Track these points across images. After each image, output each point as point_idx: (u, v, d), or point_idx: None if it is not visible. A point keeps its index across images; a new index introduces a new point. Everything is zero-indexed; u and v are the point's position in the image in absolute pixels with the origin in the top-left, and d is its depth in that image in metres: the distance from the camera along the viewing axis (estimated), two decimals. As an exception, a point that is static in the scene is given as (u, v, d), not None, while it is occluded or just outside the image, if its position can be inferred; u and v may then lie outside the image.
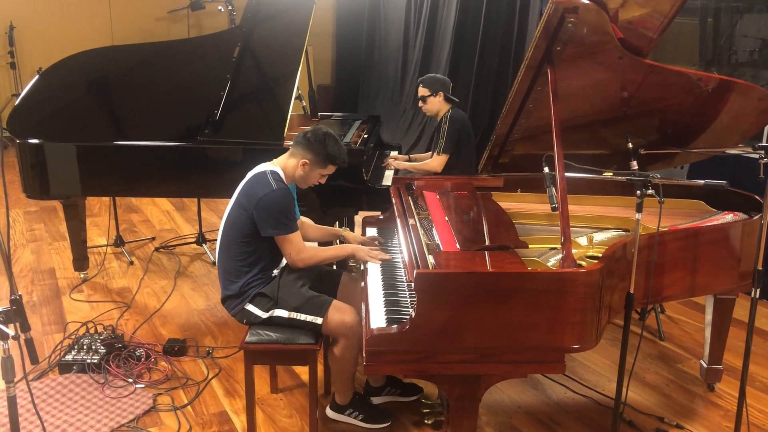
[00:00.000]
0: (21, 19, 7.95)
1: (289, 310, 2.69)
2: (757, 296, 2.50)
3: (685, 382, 3.27)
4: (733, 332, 3.13)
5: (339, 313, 2.66)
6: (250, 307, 2.73)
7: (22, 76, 7.96)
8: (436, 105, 4.21)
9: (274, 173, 2.73)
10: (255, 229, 2.69)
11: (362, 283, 2.64)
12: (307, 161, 2.76)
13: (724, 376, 3.18)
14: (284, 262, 2.84)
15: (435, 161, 4.15)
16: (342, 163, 2.82)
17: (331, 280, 2.97)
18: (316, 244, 3.21)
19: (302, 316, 2.67)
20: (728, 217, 2.92)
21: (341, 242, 3.14)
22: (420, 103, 4.28)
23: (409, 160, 4.43)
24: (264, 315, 2.70)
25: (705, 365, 3.14)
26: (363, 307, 2.44)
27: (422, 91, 4.21)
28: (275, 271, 2.81)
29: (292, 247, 2.69)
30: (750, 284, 2.62)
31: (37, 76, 4.11)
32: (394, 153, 4.63)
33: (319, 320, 2.65)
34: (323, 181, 2.88)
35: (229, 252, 2.77)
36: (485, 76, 6.80)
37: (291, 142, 3.70)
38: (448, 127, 4.11)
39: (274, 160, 2.83)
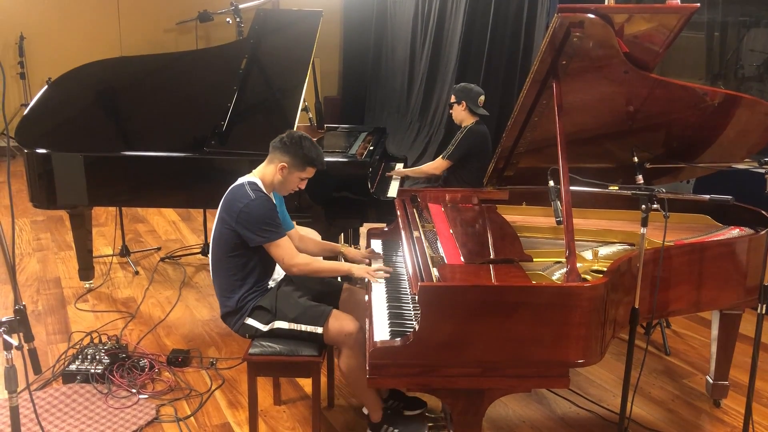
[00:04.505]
0: (31, 30, 8.02)
1: (289, 321, 2.68)
2: (764, 312, 2.49)
3: (690, 398, 3.24)
4: (739, 348, 3.11)
5: (338, 321, 2.65)
6: (250, 321, 2.73)
7: (32, 87, 8.02)
8: (459, 114, 4.27)
9: (251, 183, 2.73)
10: (241, 242, 2.69)
11: (366, 296, 2.64)
12: (285, 164, 2.74)
13: (730, 391, 3.15)
14: (279, 273, 2.84)
15: (436, 163, 4.22)
16: (321, 166, 2.80)
17: (332, 291, 2.96)
18: (320, 258, 3.21)
19: (303, 327, 2.66)
20: (734, 232, 2.91)
21: (345, 259, 3.13)
22: (449, 109, 4.34)
23: None
24: (265, 328, 2.70)
25: (711, 381, 3.12)
26: (367, 319, 2.43)
27: (451, 98, 4.29)
28: (270, 283, 2.81)
29: (284, 252, 2.68)
30: (756, 299, 2.61)
31: (46, 87, 4.14)
32: (399, 165, 4.65)
33: (319, 330, 2.65)
34: (303, 186, 2.86)
35: (220, 268, 2.77)
36: (491, 89, 6.80)
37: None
38: (462, 137, 4.18)
39: (253, 171, 2.82)
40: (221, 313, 2.81)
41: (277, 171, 2.75)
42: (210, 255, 2.84)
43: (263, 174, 2.79)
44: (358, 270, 2.74)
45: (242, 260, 2.73)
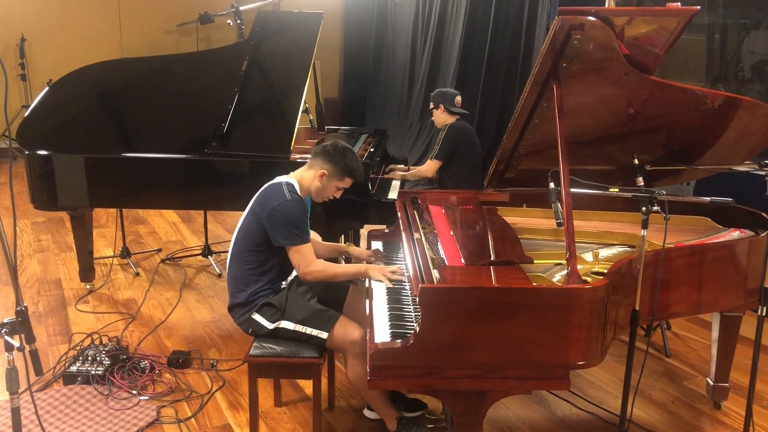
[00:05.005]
0: (32, 32, 8.03)
1: (295, 323, 2.68)
2: (764, 314, 2.49)
3: (691, 400, 3.24)
4: (739, 350, 3.11)
5: (345, 328, 2.66)
6: (257, 317, 2.73)
7: (33, 88, 8.03)
8: (440, 117, 4.44)
9: (289, 184, 2.75)
10: (267, 239, 2.70)
11: (366, 298, 2.64)
12: (325, 172, 2.78)
13: (730, 393, 3.15)
14: (294, 274, 2.84)
15: (427, 166, 4.37)
16: (360, 178, 2.85)
17: (338, 292, 2.97)
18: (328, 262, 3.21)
19: (308, 330, 2.67)
20: (735, 234, 2.91)
21: (347, 259, 3.13)
22: (430, 116, 4.55)
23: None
24: (270, 326, 2.70)
25: (711, 383, 3.12)
26: (367, 321, 2.43)
27: (430, 104, 4.48)
28: (284, 283, 2.82)
29: (302, 258, 2.69)
30: (757, 301, 2.62)
31: (46, 88, 4.15)
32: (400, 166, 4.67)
33: (324, 334, 2.65)
34: (338, 195, 2.90)
35: (240, 260, 2.78)
36: (492, 91, 6.82)
37: (297, 156, 3.75)
38: (445, 136, 4.33)
39: (291, 173, 2.85)
40: (229, 303, 2.82)
41: (317, 177, 2.78)
42: (231, 244, 2.84)
43: (301, 178, 2.82)
44: (374, 272, 2.74)
45: (263, 257, 2.74)
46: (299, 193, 2.76)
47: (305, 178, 2.81)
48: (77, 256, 4.32)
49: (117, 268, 4.82)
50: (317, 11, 4.20)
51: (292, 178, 2.81)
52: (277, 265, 2.77)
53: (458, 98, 4.44)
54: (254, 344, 2.69)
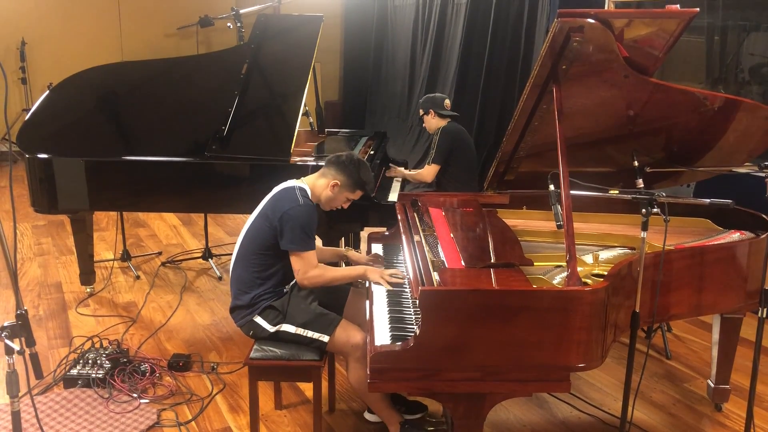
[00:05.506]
0: (32, 36, 8.04)
1: (296, 326, 2.68)
2: (765, 315, 2.49)
3: (692, 402, 3.24)
4: (740, 351, 3.11)
5: (347, 332, 2.66)
6: (258, 320, 2.73)
7: (33, 92, 8.04)
8: (432, 122, 4.50)
9: (301, 189, 2.76)
10: (275, 243, 2.71)
11: (367, 300, 2.64)
12: (338, 183, 2.79)
13: (731, 396, 3.15)
14: None
15: (425, 171, 4.40)
16: (371, 192, 2.86)
17: (339, 295, 2.97)
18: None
19: (309, 333, 2.67)
20: (735, 235, 2.91)
21: (346, 263, 3.14)
22: (423, 123, 4.60)
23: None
24: (271, 329, 2.70)
25: (712, 385, 3.11)
26: (368, 323, 2.43)
27: (420, 112, 4.55)
28: (286, 287, 2.82)
29: (303, 264, 2.69)
30: (757, 303, 2.61)
31: (47, 92, 4.15)
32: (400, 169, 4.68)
33: (325, 338, 2.65)
34: (346, 206, 2.91)
35: (246, 262, 2.78)
36: (492, 93, 6.83)
37: (298, 159, 3.75)
38: (439, 139, 4.36)
39: (303, 178, 2.86)
40: (231, 305, 2.82)
41: (329, 187, 2.80)
42: (237, 246, 2.84)
43: (314, 185, 2.83)
44: (372, 274, 2.74)
45: (270, 260, 2.74)
46: (311, 199, 2.77)
47: (317, 185, 2.83)
48: (78, 260, 4.32)
49: (117, 271, 4.82)
50: (317, 14, 4.21)
51: (304, 183, 2.82)
52: (282, 269, 2.77)
53: (447, 101, 4.49)
54: (255, 347, 2.69)
